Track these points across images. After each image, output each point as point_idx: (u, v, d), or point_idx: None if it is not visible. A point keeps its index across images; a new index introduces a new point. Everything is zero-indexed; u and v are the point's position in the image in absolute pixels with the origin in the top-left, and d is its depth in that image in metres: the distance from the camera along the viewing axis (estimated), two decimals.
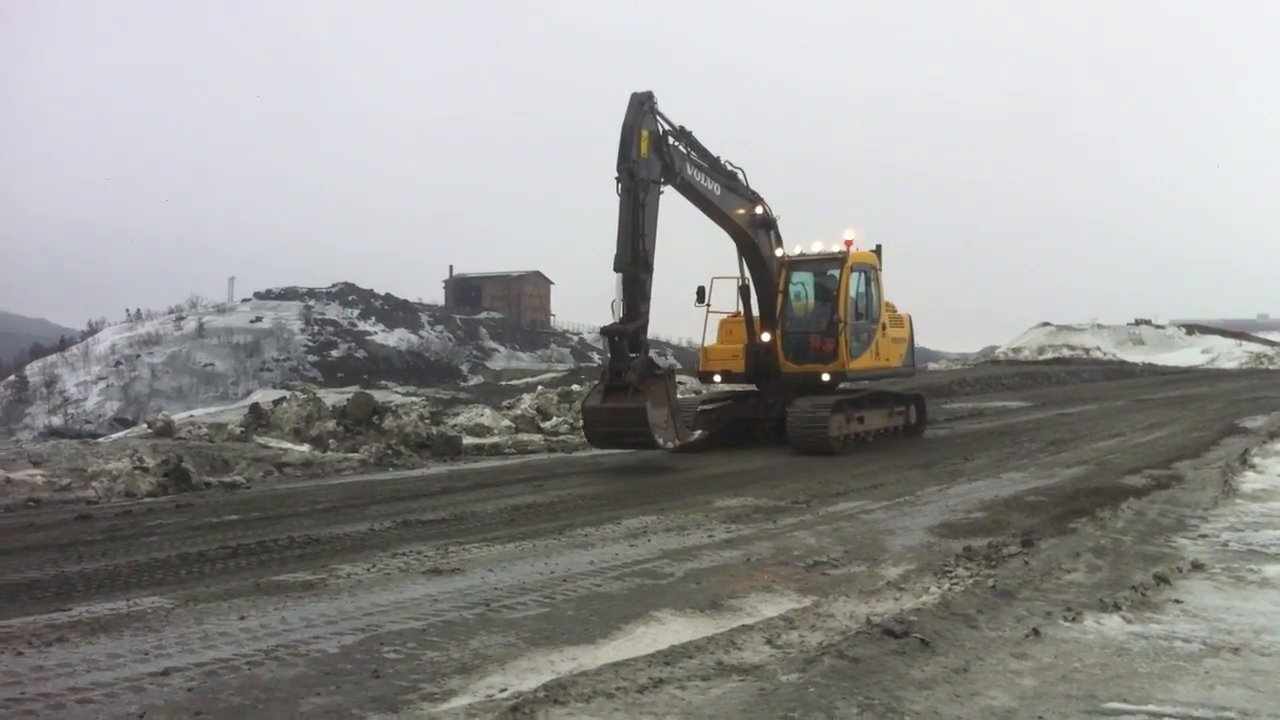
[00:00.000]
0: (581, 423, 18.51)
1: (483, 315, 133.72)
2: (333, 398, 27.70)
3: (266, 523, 12.54)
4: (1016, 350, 69.08)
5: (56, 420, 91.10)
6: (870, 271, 20.79)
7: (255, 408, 22.63)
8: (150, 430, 21.05)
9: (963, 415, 28.01)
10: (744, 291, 20.66)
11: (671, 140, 17.56)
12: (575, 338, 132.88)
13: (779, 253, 20.56)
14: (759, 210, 20.04)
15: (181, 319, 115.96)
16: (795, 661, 6.57)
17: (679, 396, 20.69)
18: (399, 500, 14.23)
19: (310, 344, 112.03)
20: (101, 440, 23.53)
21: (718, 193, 18.87)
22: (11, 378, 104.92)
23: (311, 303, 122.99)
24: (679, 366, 47.32)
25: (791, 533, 11.59)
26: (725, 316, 21.31)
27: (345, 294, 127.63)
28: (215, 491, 15.42)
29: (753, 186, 20.12)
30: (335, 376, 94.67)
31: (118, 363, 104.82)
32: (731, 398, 21.53)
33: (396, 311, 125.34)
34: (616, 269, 16.62)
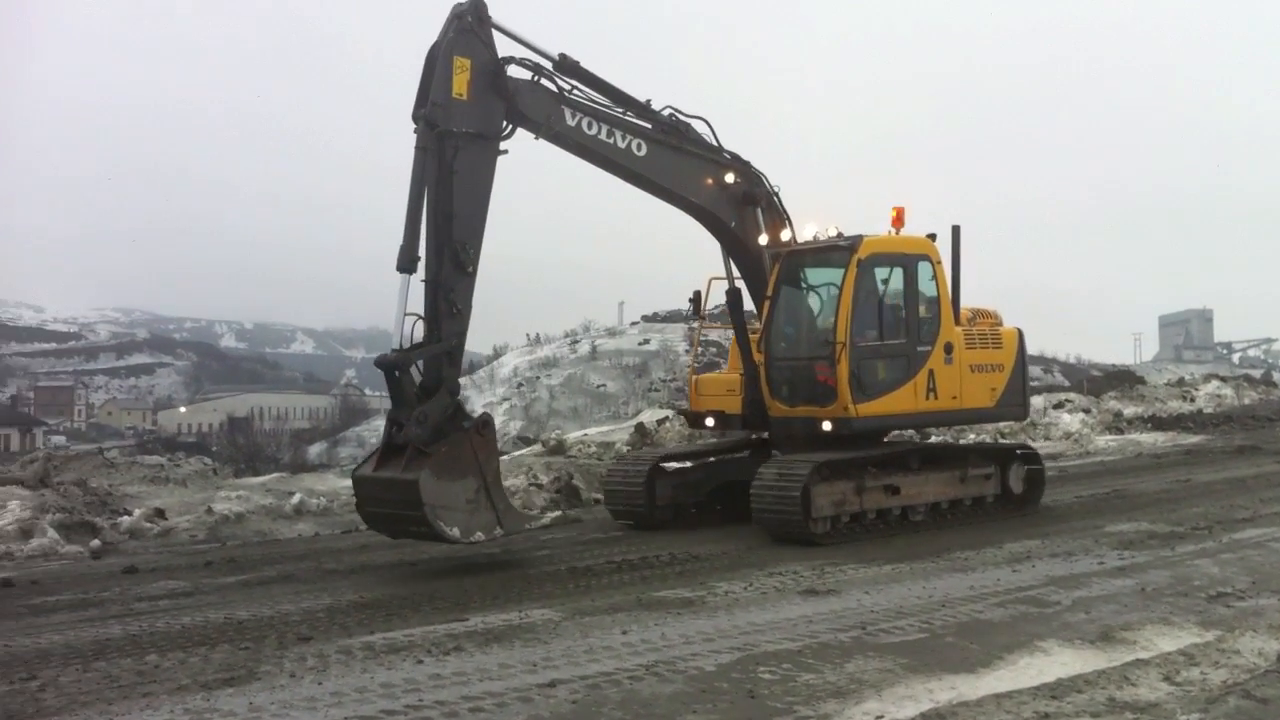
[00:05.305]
0: None
1: None
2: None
3: (649, 539, 12.96)
4: None
5: None
6: (917, 266, 13.72)
7: (640, 427, 23.51)
8: (544, 449, 22.24)
9: None
10: (734, 298, 14.66)
11: (525, 72, 12.12)
12: None
13: (762, 240, 14.08)
14: (730, 179, 13.79)
15: (576, 342, 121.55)
16: (1196, 701, 6.15)
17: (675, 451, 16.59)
18: None
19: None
20: (503, 458, 25.02)
21: (640, 152, 12.99)
22: None
23: (695, 324, 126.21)
24: None
25: (1191, 561, 10.82)
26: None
27: (727, 316, 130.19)
28: (603, 508, 16.05)
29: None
30: None
31: (519, 384, 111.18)
32: (717, 452, 15.40)
33: None
34: (401, 268, 11.10)
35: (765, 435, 14.48)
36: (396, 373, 10.93)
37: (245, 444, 61.74)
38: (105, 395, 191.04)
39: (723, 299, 14.63)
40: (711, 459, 15.19)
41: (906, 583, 9.99)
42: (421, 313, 11.21)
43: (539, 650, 7.85)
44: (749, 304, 14.77)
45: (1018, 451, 15.26)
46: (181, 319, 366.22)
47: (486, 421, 11.60)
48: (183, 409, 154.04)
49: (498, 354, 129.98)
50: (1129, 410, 31.04)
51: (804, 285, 14.33)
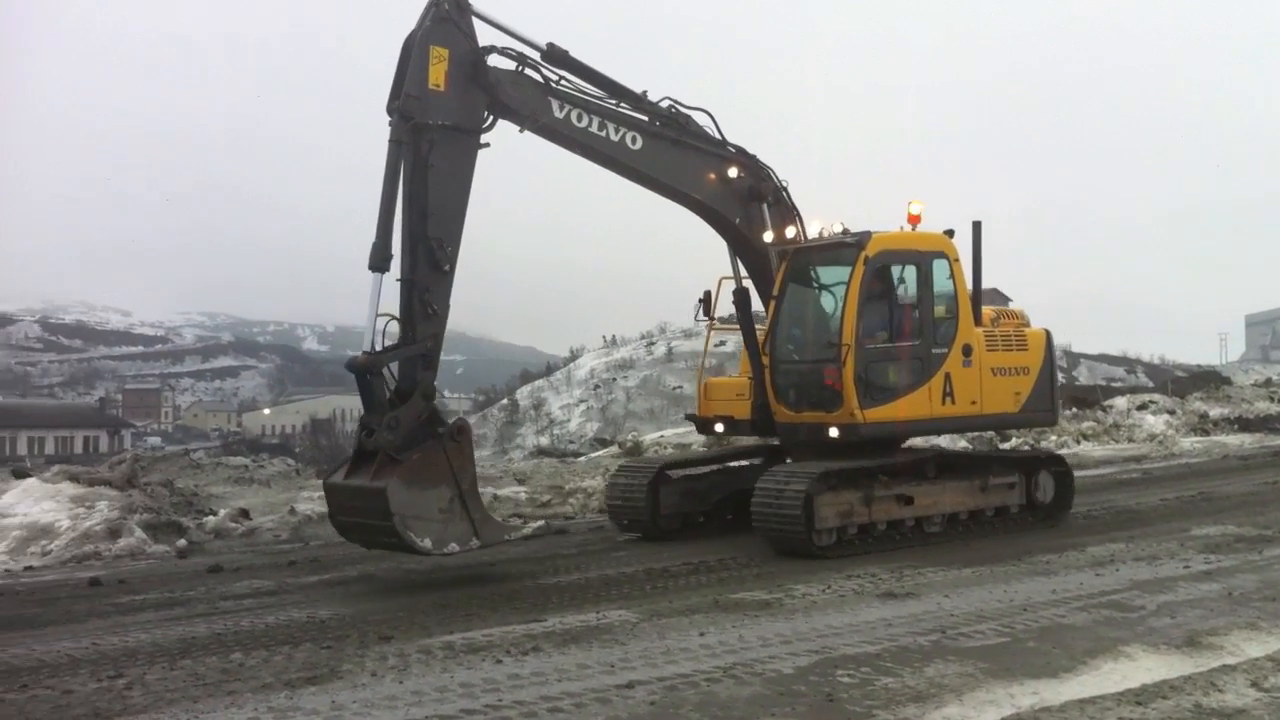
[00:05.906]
0: None
1: None
2: None
3: (739, 540, 12.87)
4: None
5: (544, 440, 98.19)
6: (932, 264, 12.95)
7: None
8: (620, 450, 22.32)
9: None
10: (741, 298, 13.80)
11: (509, 62, 11.42)
12: None
13: (767, 237, 13.24)
14: (734, 173, 13.03)
15: (652, 344, 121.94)
16: None
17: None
18: None
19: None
20: (580, 459, 25.15)
21: (635, 146, 12.30)
22: (505, 401, 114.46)
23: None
24: None
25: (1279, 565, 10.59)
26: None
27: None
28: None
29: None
30: None
31: (596, 386, 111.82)
32: (728, 458, 14.94)
33: None
34: (373, 267, 10.60)
35: (774, 441, 13.84)
36: (368, 376, 10.40)
37: (327, 445, 62.69)
38: (191, 397, 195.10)
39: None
40: (721, 466, 14.60)
41: (987, 586, 9.88)
42: (396, 313, 10.81)
43: (616, 651, 7.87)
44: (758, 305, 14.00)
45: (1045, 461, 14.43)
46: (265, 322, 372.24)
47: (462, 428, 11.02)
48: (266, 411, 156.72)
49: (574, 356, 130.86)
50: (1214, 411, 30.44)
51: (811, 284, 13.54)
